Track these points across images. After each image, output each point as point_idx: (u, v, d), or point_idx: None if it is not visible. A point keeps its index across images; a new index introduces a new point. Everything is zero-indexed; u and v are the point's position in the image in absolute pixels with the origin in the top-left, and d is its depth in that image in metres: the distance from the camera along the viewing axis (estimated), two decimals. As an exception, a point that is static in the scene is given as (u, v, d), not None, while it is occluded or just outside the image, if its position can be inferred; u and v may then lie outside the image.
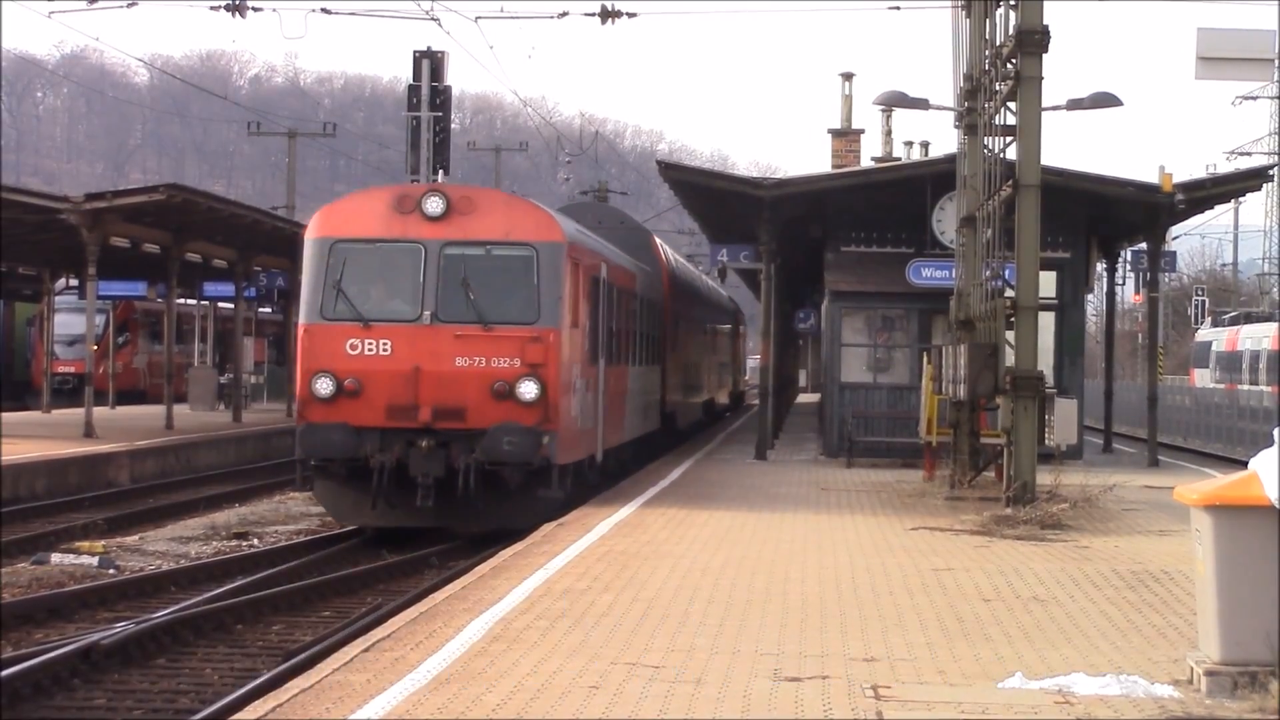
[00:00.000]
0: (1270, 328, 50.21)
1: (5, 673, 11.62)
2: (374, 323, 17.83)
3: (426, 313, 17.84)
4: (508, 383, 17.64)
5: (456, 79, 34.52)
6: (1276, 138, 62.68)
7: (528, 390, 17.64)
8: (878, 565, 15.77)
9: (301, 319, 18.32)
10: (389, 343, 17.75)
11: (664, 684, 9.51)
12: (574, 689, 9.31)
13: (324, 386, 17.64)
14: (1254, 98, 61.17)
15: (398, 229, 18.28)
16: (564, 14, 30.57)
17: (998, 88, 21.80)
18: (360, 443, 17.40)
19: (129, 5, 31.36)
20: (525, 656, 10.42)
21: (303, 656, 12.52)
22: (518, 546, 16.79)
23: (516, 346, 17.83)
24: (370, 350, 17.78)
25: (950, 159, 26.55)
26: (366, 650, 10.43)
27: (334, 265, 18.12)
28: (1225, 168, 45.88)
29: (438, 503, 17.45)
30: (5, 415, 34.53)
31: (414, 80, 31.94)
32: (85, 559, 17.81)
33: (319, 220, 19.05)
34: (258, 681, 11.69)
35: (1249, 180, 35.40)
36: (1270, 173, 40.82)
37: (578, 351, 19.91)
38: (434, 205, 18.10)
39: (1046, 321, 25.56)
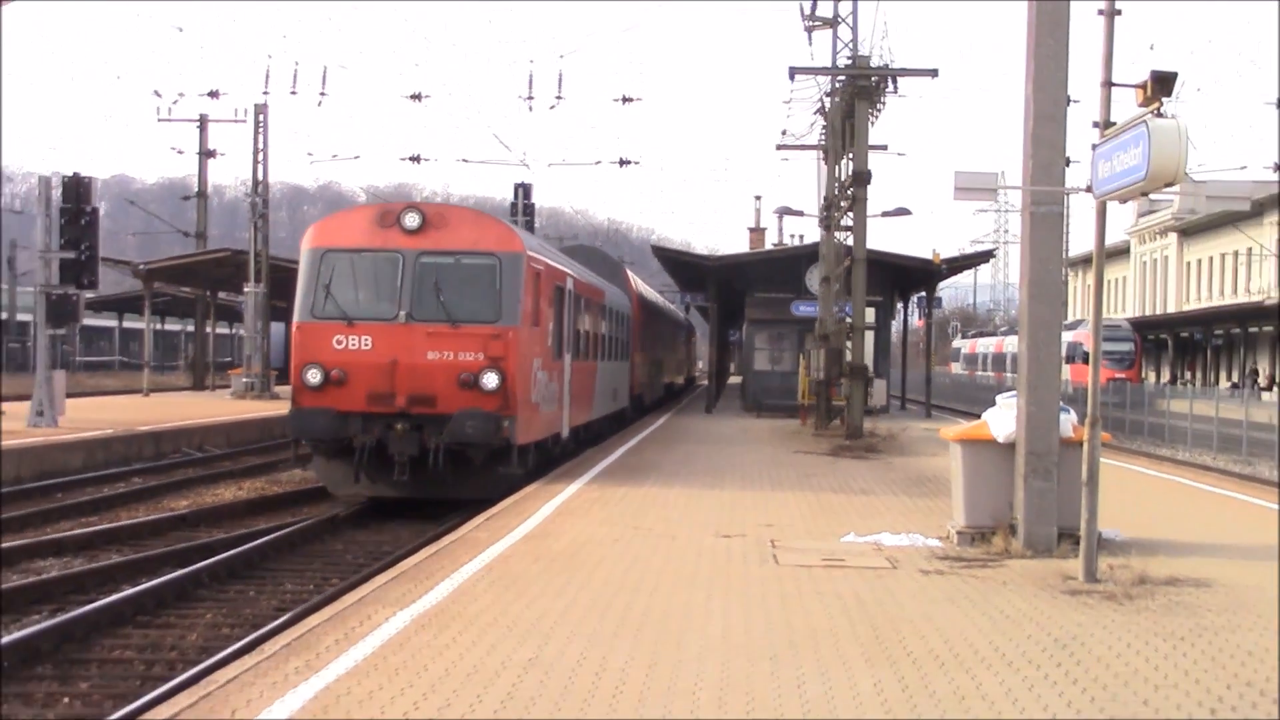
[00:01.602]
0: (993, 340, 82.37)
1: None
2: (357, 321, 18.54)
3: (403, 313, 18.50)
4: (472, 374, 18.27)
5: (537, 197, 45.54)
6: (996, 234, 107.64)
7: (489, 380, 18.24)
8: (774, 472, 22.80)
9: (295, 318, 19.06)
10: (370, 339, 18.43)
11: (655, 539, 14.36)
12: (605, 539, 14.16)
13: (313, 376, 18.35)
14: (984, 210, 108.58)
15: (379, 240, 19.00)
16: (598, 162, 54.64)
17: (842, 204, 34.63)
18: (345, 425, 18.22)
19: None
20: (574, 524, 15.31)
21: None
22: (563, 468, 21.92)
23: (480, 342, 18.41)
24: (354, 345, 18.43)
25: (814, 245, 40.96)
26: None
27: (324, 271, 18.89)
28: (969, 250, 71.27)
29: (413, 477, 18.21)
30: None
31: (513, 199, 50.40)
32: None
33: (313, 233, 19.85)
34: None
35: (981, 258, 61.54)
36: (993, 254, 74.99)
37: (538, 347, 20.47)
38: (411, 220, 18.92)
39: (869, 336, 36.95)
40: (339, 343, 18.50)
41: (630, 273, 43.26)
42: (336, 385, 18.32)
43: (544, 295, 20.87)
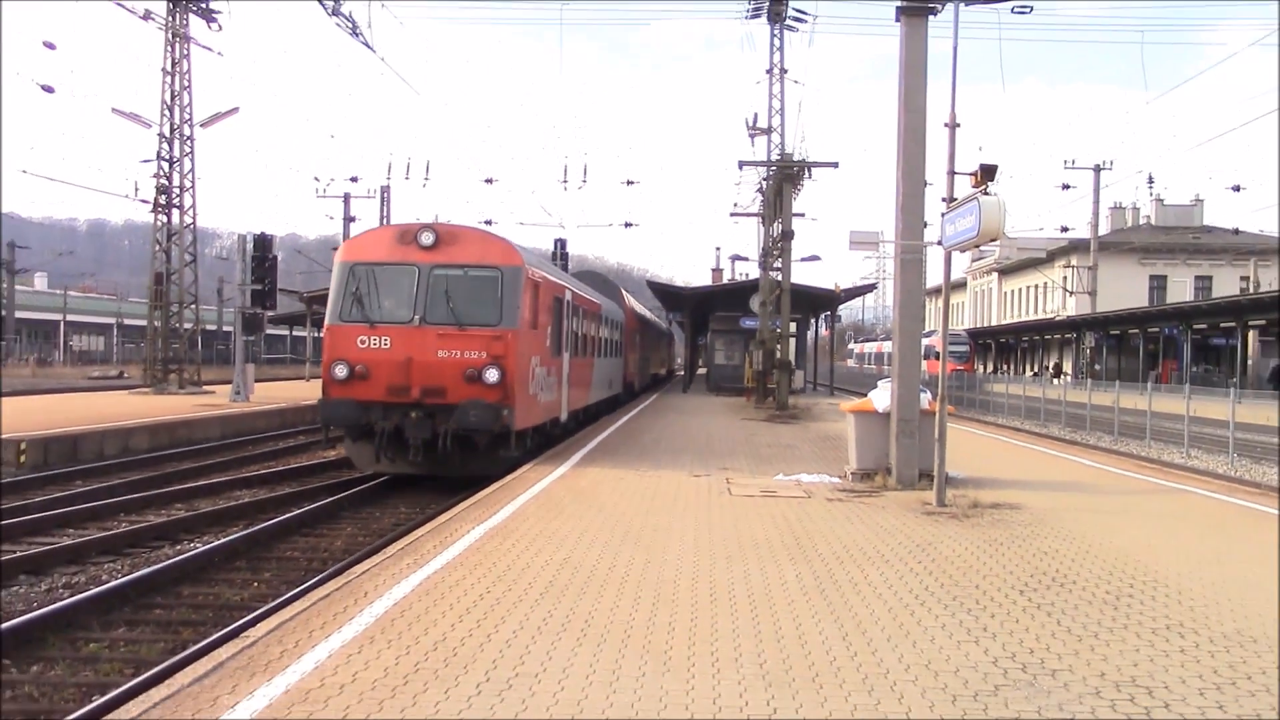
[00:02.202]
0: (874, 344, 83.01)
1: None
2: (378, 324, 15.58)
3: (417, 317, 15.52)
4: (476, 369, 15.27)
5: (570, 249, 46.32)
6: (877, 273, 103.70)
7: (491, 375, 15.24)
8: (728, 433, 22.43)
9: (327, 321, 16.02)
10: (389, 339, 15.50)
11: (648, 477, 14.36)
12: (612, 479, 13.98)
13: (340, 371, 15.38)
14: (870, 256, 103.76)
15: (399, 255, 15.97)
16: (610, 224, 66.86)
17: (774, 252, 34.17)
18: (366, 413, 15.27)
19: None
20: (592, 469, 15.10)
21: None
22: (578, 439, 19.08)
23: (484, 343, 15.43)
24: (375, 345, 15.46)
25: (756, 280, 39.12)
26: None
27: (351, 282, 15.91)
28: (860, 283, 68.69)
29: (426, 457, 15.36)
30: None
31: (554, 250, 46.82)
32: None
33: (344, 249, 16.87)
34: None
35: (868, 289, 62.02)
36: (875, 286, 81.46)
37: (536, 346, 17.07)
38: (426, 238, 15.91)
39: (793, 342, 37.06)
40: (362, 343, 15.48)
41: (625, 292, 39.60)
42: (360, 379, 15.36)
43: (543, 303, 17.52)
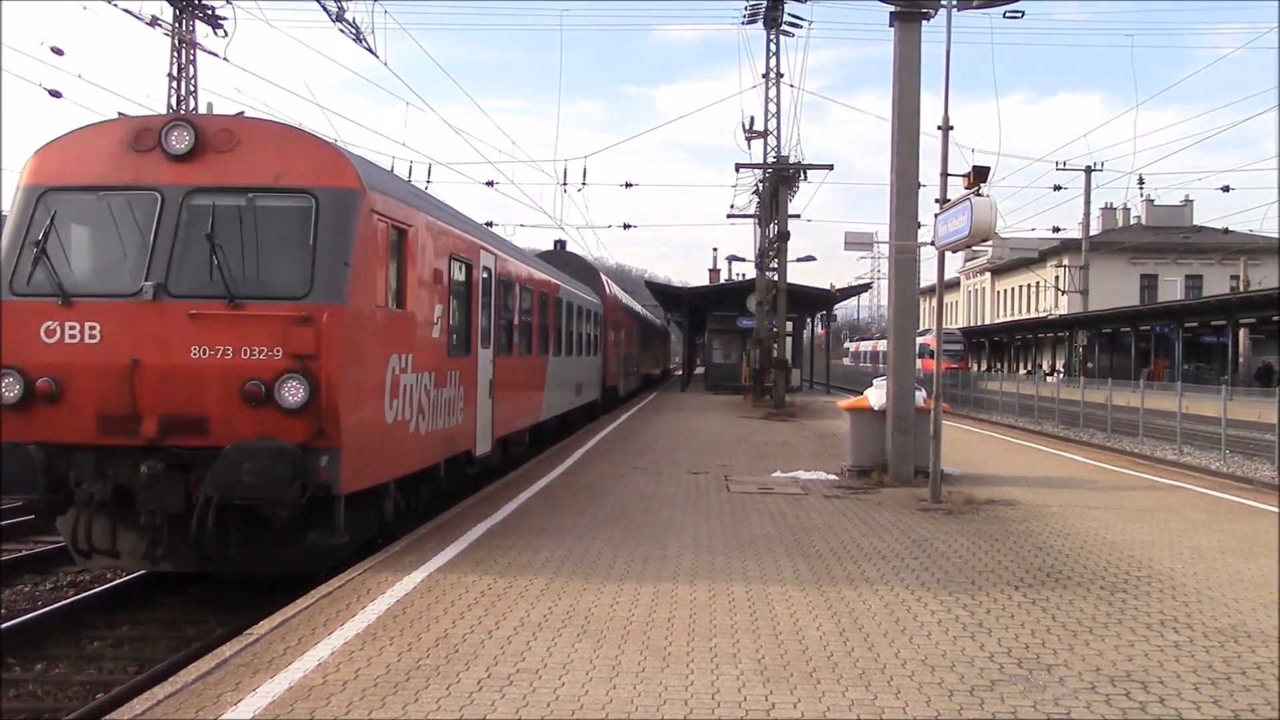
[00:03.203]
0: (869, 342, 77.04)
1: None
2: (79, 299, 8.10)
3: (149, 284, 8.02)
4: (264, 382, 7.87)
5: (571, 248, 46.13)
6: (872, 273, 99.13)
7: (291, 392, 7.86)
8: (725, 431, 22.51)
9: None
10: (98, 326, 8.09)
11: (647, 474, 14.37)
12: (614, 475, 13.78)
13: (9, 389, 8.04)
14: (864, 258, 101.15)
15: (129, 172, 8.46)
16: (610, 225, 63.69)
17: (770, 253, 33.84)
18: (61, 466, 7.96)
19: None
20: (596, 465, 13.74)
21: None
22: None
23: (277, 331, 7.97)
24: (73, 336, 8.10)
25: (753, 280, 39.09)
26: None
27: (39, 221, 8.40)
28: (854, 283, 66.85)
29: (173, 546, 8.02)
30: None
31: (553, 249, 46.22)
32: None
33: (32, 164, 8.72)
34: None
35: (863, 289, 56.54)
36: (870, 286, 76.30)
37: (401, 337, 9.28)
38: (180, 140, 8.43)
39: (789, 340, 36.51)
40: (50, 333, 8.09)
41: (605, 277, 31.94)
42: (47, 402, 7.99)
43: (417, 262, 9.73)
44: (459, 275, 11.34)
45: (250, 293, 8.02)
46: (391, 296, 9.07)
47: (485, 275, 12.50)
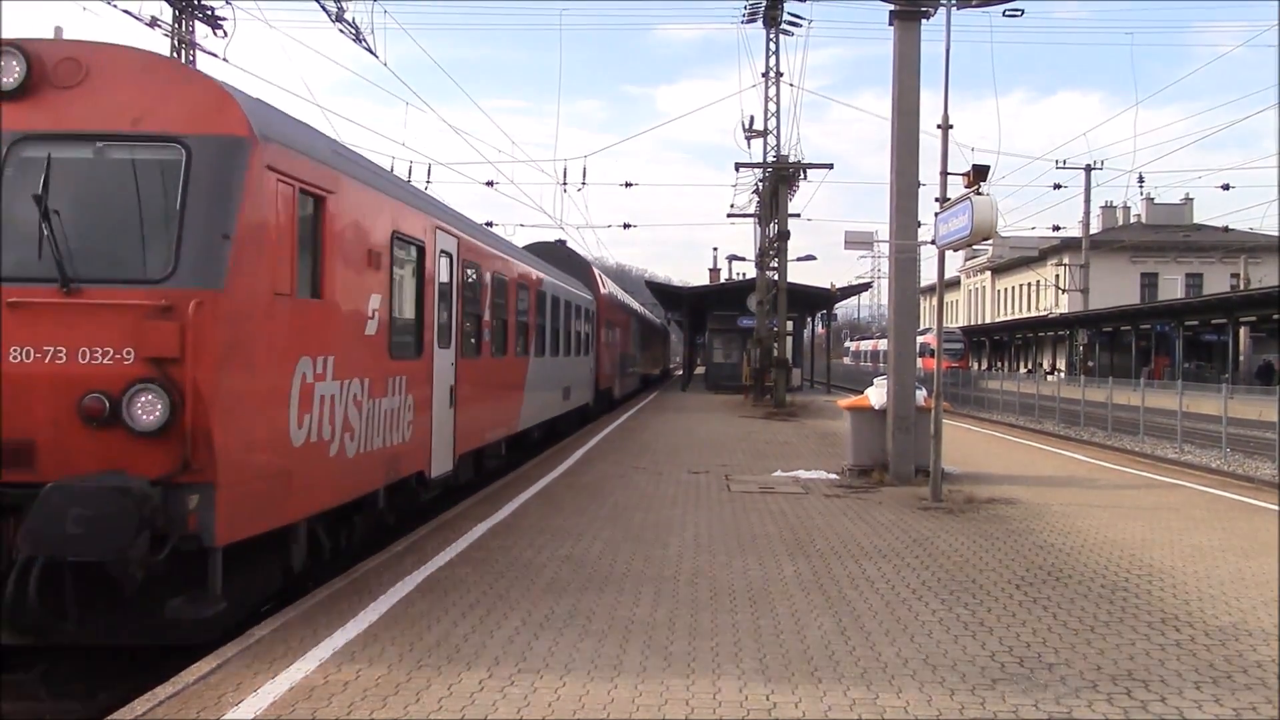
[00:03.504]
0: (870, 341, 76.05)
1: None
2: None
3: None
4: (109, 396, 5.63)
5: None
6: (872, 272, 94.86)
7: (147, 409, 5.63)
8: (726, 430, 22.37)
9: None
10: None
11: (648, 474, 14.32)
12: (614, 475, 13.67)
13: None
14: (864, 257, 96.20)
15: None
16: (609, 225, 57.95)
17: (771, 252, 33.49)
18: None
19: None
20: (597, 464, 14.31)
21: None
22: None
23: (128, 325, 5.68)
24: None
25: (753, 280, 38.46)
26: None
27: None
28: (855, 282, 66.57)
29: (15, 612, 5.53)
30: None
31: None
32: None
33: None
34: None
35: (863, 288, 57.53)
36: (870, 285, 75.33)
37: (318, 338, 7.05)
38: (7, 71, 6.03)
39: (790, 340, 36.39)
40: None
41: (599, 272, 30.10)
42: None
43: (339, 239, 7.41)
44: (407, 258, 9.16)
45: (93, 274, 5.80)
46: (302, 282, 6.83)
47: (445, 260, 10.32)
